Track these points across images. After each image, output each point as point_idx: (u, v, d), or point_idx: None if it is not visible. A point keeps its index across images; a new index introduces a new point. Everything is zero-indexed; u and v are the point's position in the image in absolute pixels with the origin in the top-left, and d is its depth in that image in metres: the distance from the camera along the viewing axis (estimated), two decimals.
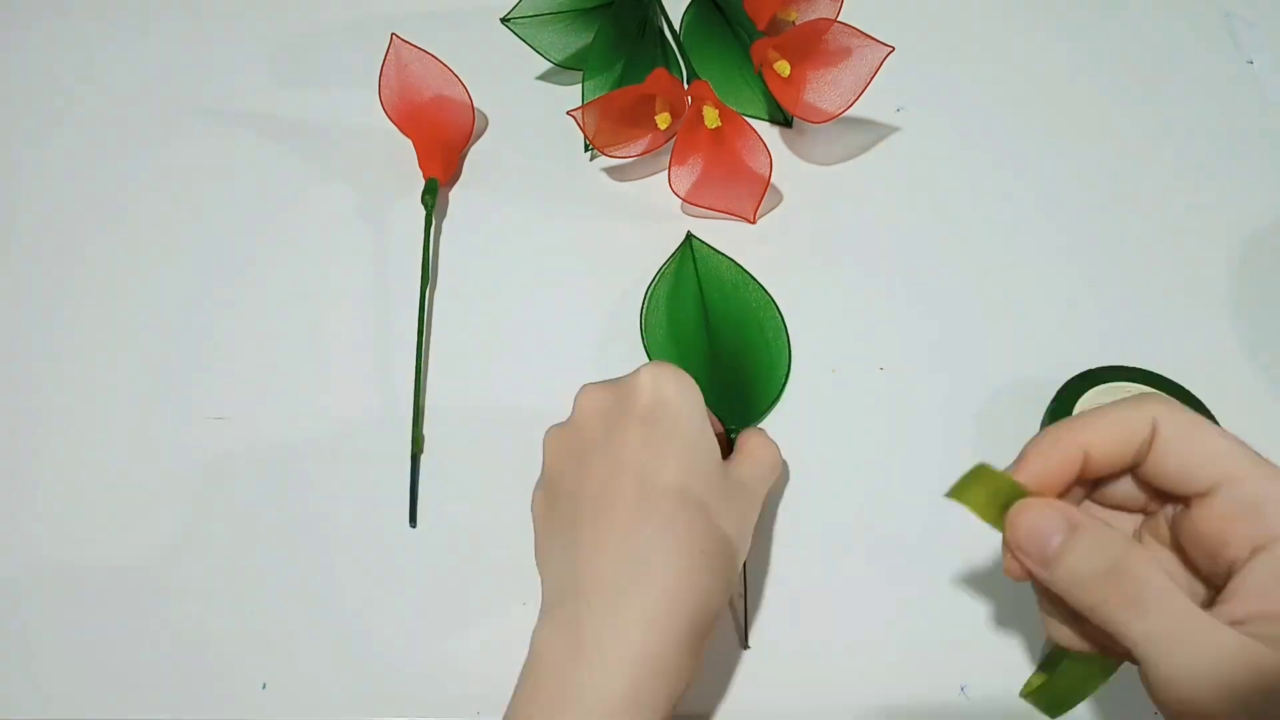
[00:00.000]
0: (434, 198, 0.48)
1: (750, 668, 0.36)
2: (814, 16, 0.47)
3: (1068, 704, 0.27)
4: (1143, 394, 0.25)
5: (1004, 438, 0.37)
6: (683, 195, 0.47)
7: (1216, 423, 0.38)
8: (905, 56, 0.45)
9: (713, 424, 0.34)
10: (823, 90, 0.47)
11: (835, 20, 0.45)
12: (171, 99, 0.54)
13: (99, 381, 0.44)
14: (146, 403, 0.44)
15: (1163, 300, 0.45)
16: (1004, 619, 0.37)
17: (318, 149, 0.52)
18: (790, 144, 0.51)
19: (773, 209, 0.48)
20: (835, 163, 0.50)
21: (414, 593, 0.39)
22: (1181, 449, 0.24)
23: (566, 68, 0.52)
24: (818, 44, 0.46)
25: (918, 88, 0.52)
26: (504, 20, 0.49)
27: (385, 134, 0.49)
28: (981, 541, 0.39)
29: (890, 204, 0.48)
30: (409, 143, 0.49)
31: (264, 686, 0.37)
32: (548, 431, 0.35)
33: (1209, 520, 0.23)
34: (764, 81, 0.48)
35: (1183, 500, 0.24)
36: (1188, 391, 0.40)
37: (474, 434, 0.42)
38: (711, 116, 0.45)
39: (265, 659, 0.37)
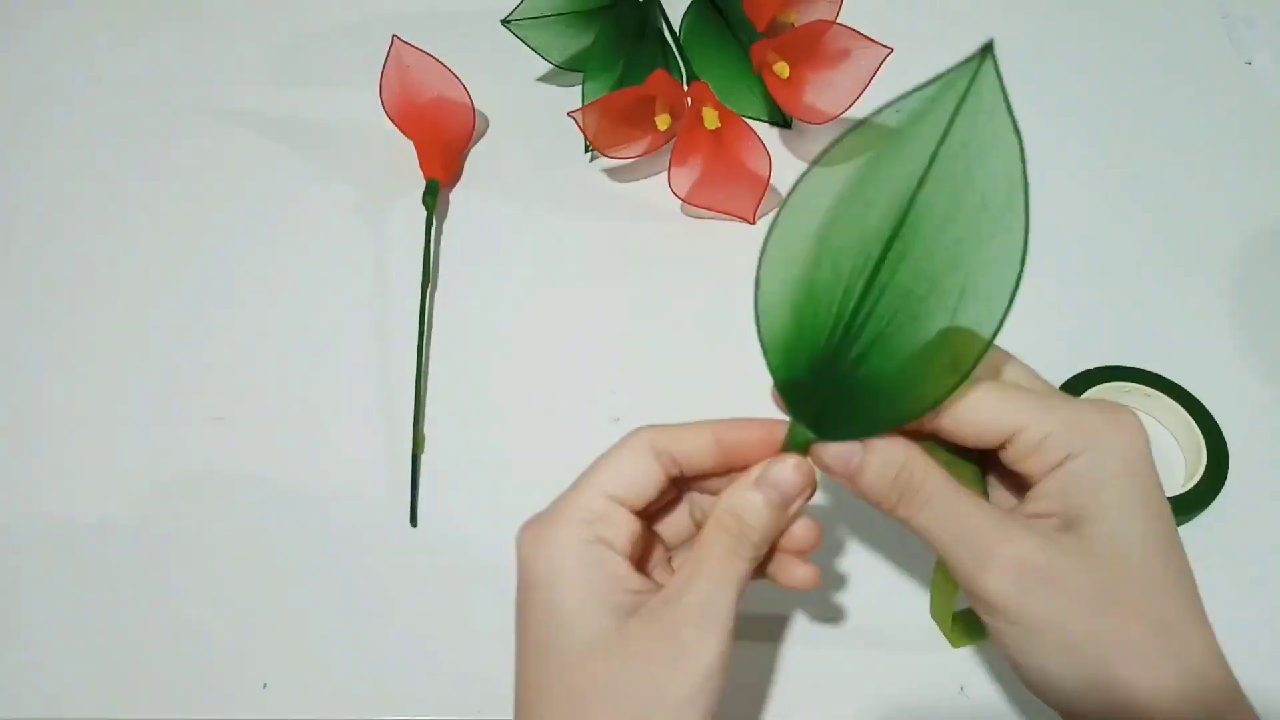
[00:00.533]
0: (434, 198, 0.48)
1: (749, 665, 0.36)
2: (813, 18, 0.47)
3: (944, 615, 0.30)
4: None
5: None
6: (683, 196, 0.47)
7: (1212, 420, 0.39)
8: (904, 58, 0.45)
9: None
10: (822, 92, 0.47)
11: (834, 22, 0.45)
12: (173, 100, 0.54)
13: (98, 381, 0.44)
14: (146, 402, 0.44)
15: (1163, 300, 0.45)
16: None
17: (319, 150, 0.52)
18: (790, 145, 0.51)
19: (773, 210, 0.48)
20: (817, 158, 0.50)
21: (414, 593, 0.39)
22: (975, 416, 0.26)
23: (567, 69, 0.52)
24: (817, 46, 0.46)
25: None
26: (504, 22, 0.49)
27: (386, 135, 0.49)
28: None
29: None
30: (410, 144, 0.49)
31: (265, 686, 0.37)
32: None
33: (1013, 463, 0.26)
34: (763, 83, 0.48)
35: (990, 452, 0.27)
36: (1185, 391, 0.40)
37: (474, 434, 0.42)
38: (711, 118, 0.45)
39: (266, 658, 0.37)
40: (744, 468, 0.28)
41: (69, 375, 0.45)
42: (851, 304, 0.26)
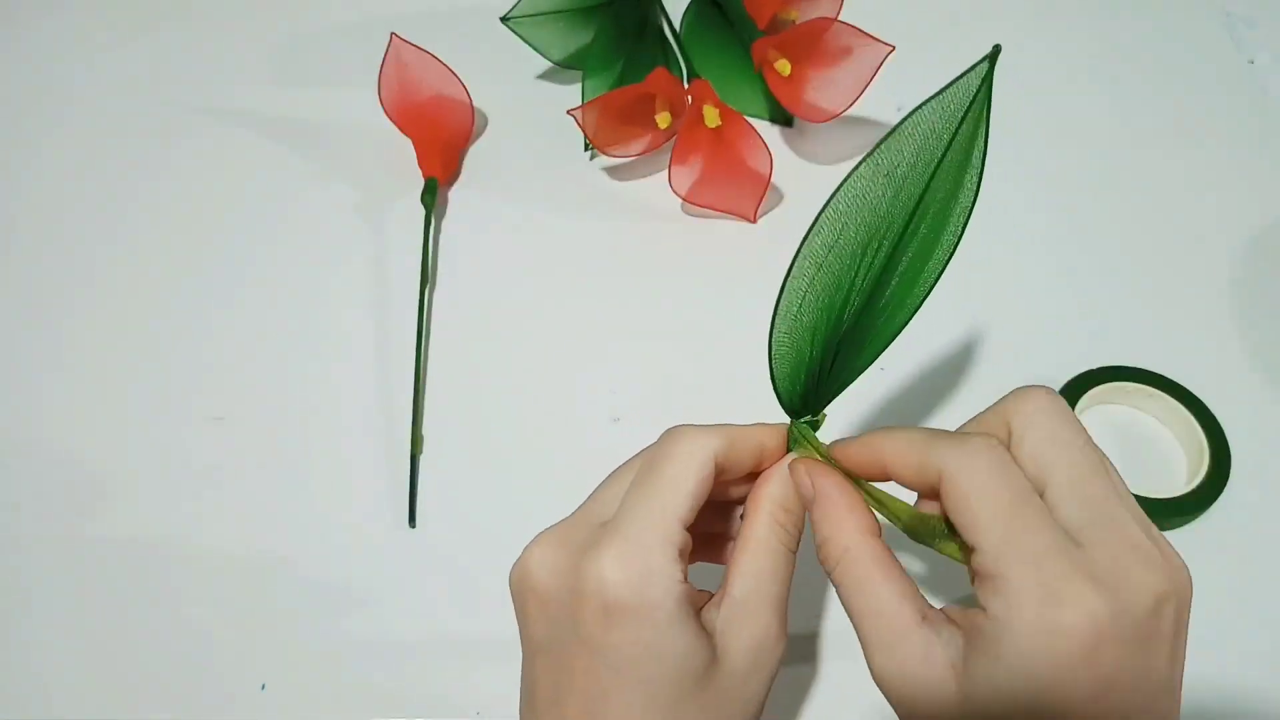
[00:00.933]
0: (433, 197, 0.47)
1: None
2: (815, 16, 0.46)
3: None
4: (945, 437, 0.25)
5: None
6: (683, 195, 0.47)
7: (1214, 420, 0.39)
8: (906, 56, 0.45)
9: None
10: (823, 89, 0.47)
11: (836, 19, 0.45)
12: (171, 99, 0.54)
13: (99, 380, 0.44)
14: (146, 402, 0.43)
15: (1163, 300, 0.45)
16: None
17: (317, 148, 0.52)
18: (791, 143, 0.51)
19: (773, 208, 0.48)
20: (836, 162, 0.50)
21: (414, 593, 0.38)
22: (956, 508, 0.24)
23: (566, 67, 0.52)
24: (818, 43, 0.46)
25: (918, 87, 0.52)
26: (504, 19, 0.49)
27: (385, 133, 0.49)
28: None
29: None
30: (408, 142, 0.49)
31: (263, 687, 0.37)
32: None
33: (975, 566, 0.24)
34: (764, 81, 0.48)
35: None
36: (1187, 390, 0.40)
37: (474, 434, 0.42)
38: (712, 116, 0.45)
39: (264, 660, 0.37)
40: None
41: (69, 375, 0.45)
42: (862, 295, 0.27)
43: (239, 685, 0.37)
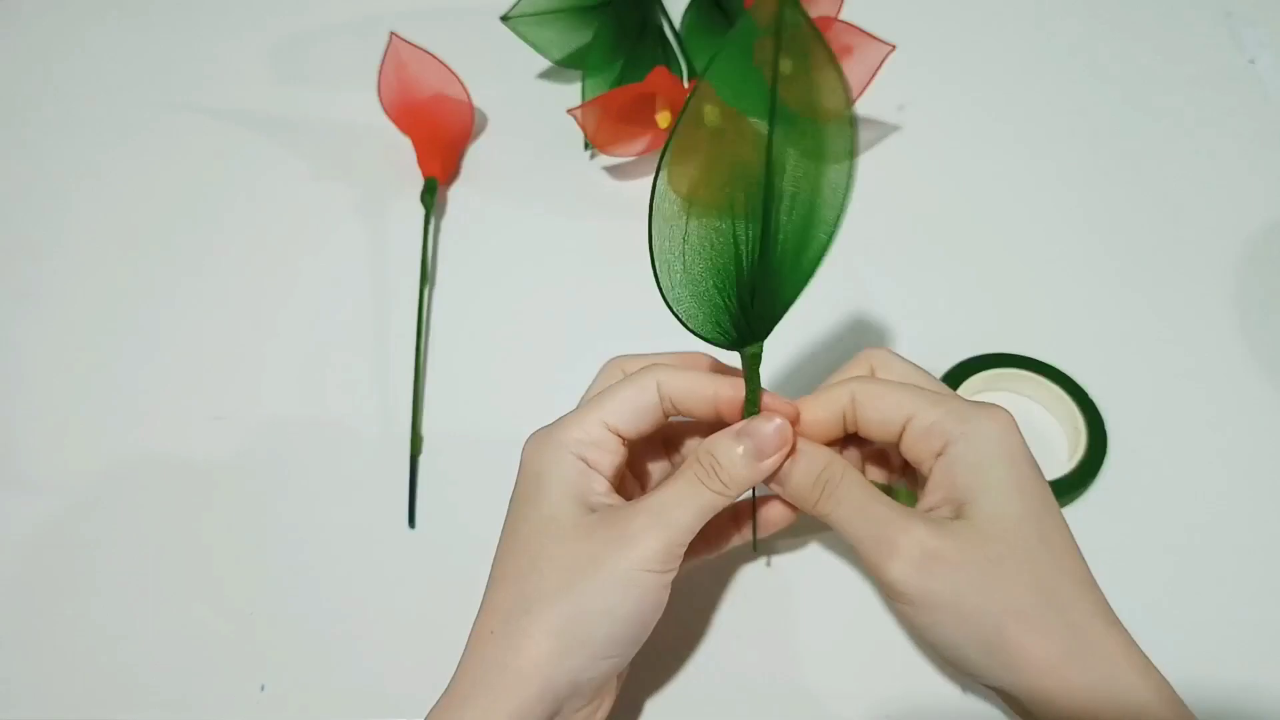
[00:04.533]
0: (433, 197, 0.47)
1: (749, 666, 0.36)
2: (815, 15, 0.46)
3: None
4: (846, 378, 0.32)
5: None
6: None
7: (1090, 400, 0.40)
8: (907, 55, 0.45)
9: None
10: None
11: (837, 18, 0.45)
12: (170, 97, 0.54)
13: (98, 380, 0.44)
14: (145, 402, 0.43)
15: (1164, 299, 0.45)
16: None
17: (316, 148, 0.51)
18: None
19: None
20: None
21: (413, 593, 0.38)
22: (874, 407, 0.31)
23: (566, 66, 0.52)
24: None
25: (919, 86, 0.52)
26: (503, 19, 0.49)
27: (384, 133, 0.49)
28: None
29: (892, 202, 0.48)
30: (408, 142, 0.49)
31: (262, 688, 0.36)
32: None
33: (909, 449, 0.30)
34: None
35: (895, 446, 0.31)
36: (1063, 373, 0.41)
37: (473, 434, 0.42)
38: (712, 115, 0.45)
39: (264, 661, 0.37)
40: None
41: (69, 374, 0.44)
42: (757, 241, 0.28)
43: (238, 685, 0.36)
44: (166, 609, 0.38)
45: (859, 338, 0.44)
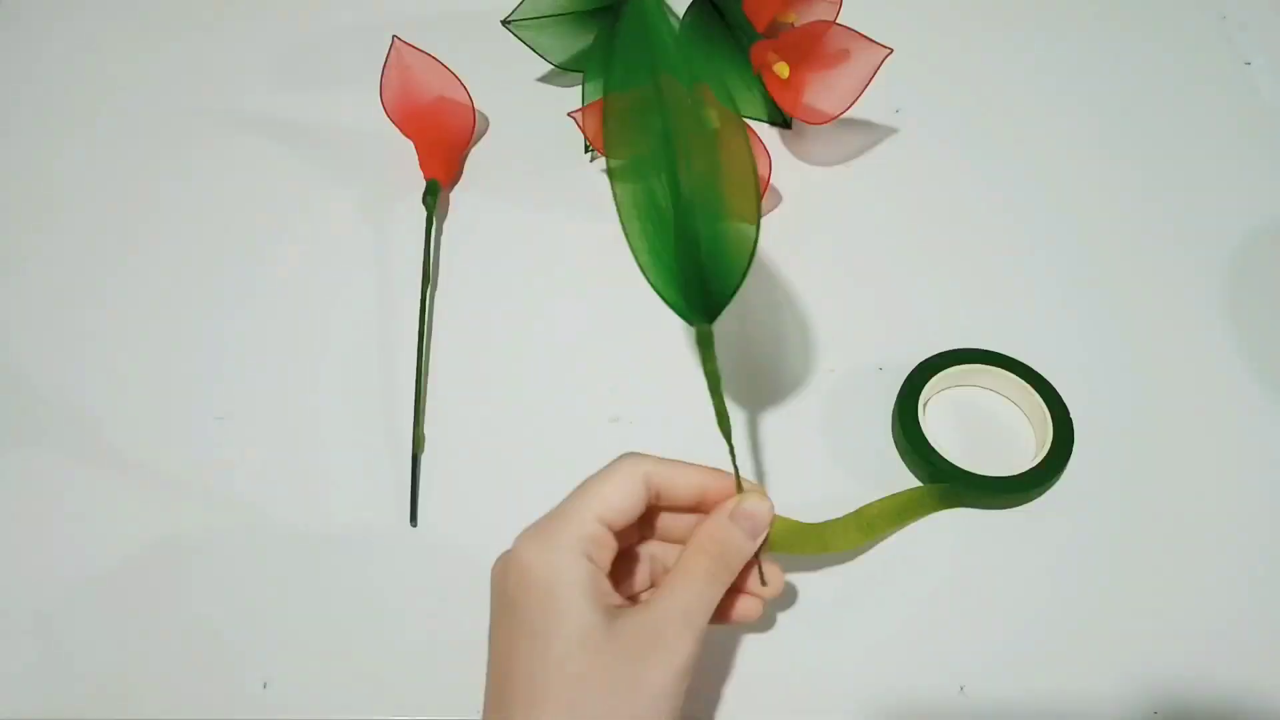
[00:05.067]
0: (435, 199, 0.48)
1: (749, 666, 0.36)
2: (813, 19, 0.47)
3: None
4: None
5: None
6: None
7: (1056, 393, 0.40)
8: (904, 58, 0.45)
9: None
10: (821, 92, 0.47)
11: (834, 22, 0.45)
12: (174, 101, 0.54)
13: (100, 380, 0.44)
14: (147, 402, 0.44)
15: (1160, 299, 0.45)
16: (1004, 619, 0.37)
17: (319, 151, 0.52)
18: (789, 145, 0.51)
19: (772, 210, 0.48)
20: (834, 164, 0.50)
21: (414, 592, 0.39)
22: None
23: (567, 69, 0.52)
24: (816, 46, 0.46)
25: (916, 89, 0.52)
26: (505, 22, 0.49)
27: (386, 136, 0.49)
28: (981, 540, 0.39)
29: (889, 205, 0.49)
30: (410, 144, 0.49)
31: (265, 686, 0.37)
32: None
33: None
34: (763, 83, 0.48)
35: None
36: (1029, 368, 0.41)
37: (475, 433, 0.42)
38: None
39: (266, 658, 0.37)
40: (705, 511, 0.32)
41: (69, 375, 0.45)
42: (671, 211, 0.30)
43: (241, 683, 0.37)
44: (168, 607, 0.38)
45: (833, 334, 0.44)
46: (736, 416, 0.42)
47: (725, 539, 0.30)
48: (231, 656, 0.37)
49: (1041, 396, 0.40)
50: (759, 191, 0.30)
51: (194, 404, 0.43)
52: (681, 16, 0.53)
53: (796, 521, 0.35)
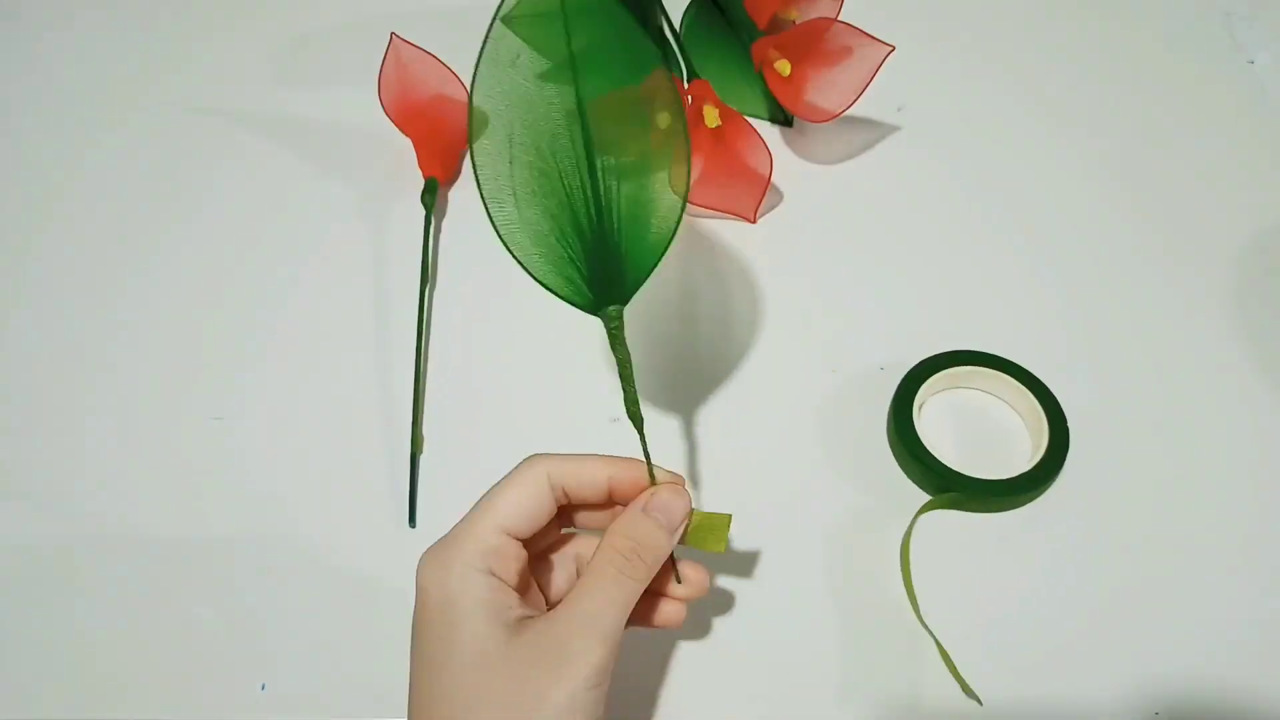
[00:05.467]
0: (434, 197, 0.47)
1: (750, 667, 0.36)
2: (815, 16, 0.46)
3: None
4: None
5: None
6: None
7: (1051, 395, 0.40)
8: (906, 56, 0.45)
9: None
10: (823, 89, 0.47)
11: (836, 20, 0.45)
12: (171, 99, 0.54)
13: (97, 380, 0.44)
14: (145, 402, 0.43)
15: (1162, 299, 0.45)
16: (1001, 621, 0.37)
17: (317, 149, 0.51)
18: (791, 143, 0.51)
19: (773, 208, 0.48)
20: (836, 162, 0.50)
21: (413, 594, 0.38)
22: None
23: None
24: (818, 43, 0.46)
25: (918, 87, 0.52)
26: (504, 19, 0.49)
27: (385, 133, 0.49)
28: (980, 541, 0.39)
29: (891, 203, 0.48)
30: (409, 142, 0.49)
31: (263, 688, 0.37)
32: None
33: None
34: (764, 81, 0.48)
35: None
36: (1025, 370, 0.41)
37: (474, 434, 0.42)
38: (712, 116, 0.45)
39: (264, 660, 0.37)
40: (622, 504, 0.31)
41: (69, 375, 0.44)
42: (589, 201, 0.29)
43: (239, 685, 0.37)
44: (166, 608, 0.38)
45: (834, 334, 0.44)
46: (736, 414, 0.42)
47: (637, 534, 0.29)
48: (229, 658, 0.37)
49: (1037, 399, 0.40)
50: (688, 154, 0.28)
51: (191, 404, 0.43)
52: (683, 14, 0.53)
53: (721, 515, 0.31)
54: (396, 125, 0.49)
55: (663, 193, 0.28)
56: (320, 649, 0.37)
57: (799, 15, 0.49)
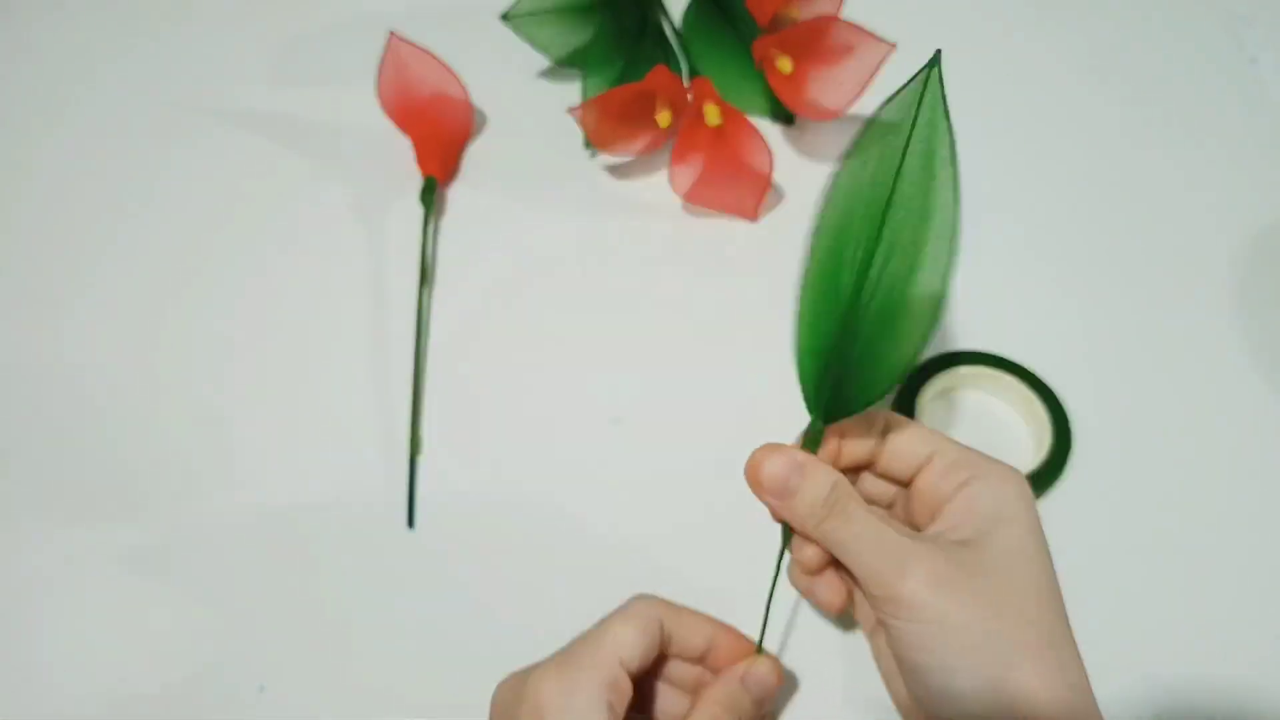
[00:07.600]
0: (432, 196, 0.47)
1: None
2: (816, 13, 0.46)
3: None
4: (877, 411, 0.31)
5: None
6: (683, 194, 0.47)
7: (1055, 397, 0.40)
8: (907, 54, 0.45)
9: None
10: (825, 87, 0.46)
11: (837, 17, 0.45)
12: (169, 98, 0.54)
13: (95, 380, 0.44)
14: (144, 402, 0.43)
15: (1163, 300, 0.45)
16: None
17: (316, 147, 0.51)
18: (792, 141, 0.51)
19: (775, 207, 0.48)
20: (837, 160, 0.50)
21: (412, 593, 0.38)
22: (904, 438, 0.31)
23: (566, 65, 0.52)
24: (820, 41, 0.46)
25: None
26: (503, 17, 0.49)
27: (383, 132, 0.49)
28: None
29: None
30: (407, 141, 0.49)
31: (261, 689, 0.36)
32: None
33: (928, 480, 0.31)
34: (765, 79, 0.48)
35: (908, 482, 0.32)
36: (1029, 371, 0.41)
37: (473, 434, 0.42)
38: (713, 114, 0.45)
39: (262, 661, 0.37)
40: (712, 665, 0.32)
41: (68, 375, 0.44)
42: (847, 301, 0.29)
43: (238, 686, 0.36)
44: (165, 609, 0.38)
45: None
46: (736, 414, 0.42)
47: (734, 704, 0.31)
48: (227, 660, 0.37)
49: (1040, 400, 0.40)
50: (938, 316, 0.28)
51: (189, 404, 0.43)
52: (684, 11, 0.53)
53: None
54: (395, 124, 0.48)
55: (916, 299, 0.28)
56: (319, 650, 0.37)
57: (800, 13, 0.49)
